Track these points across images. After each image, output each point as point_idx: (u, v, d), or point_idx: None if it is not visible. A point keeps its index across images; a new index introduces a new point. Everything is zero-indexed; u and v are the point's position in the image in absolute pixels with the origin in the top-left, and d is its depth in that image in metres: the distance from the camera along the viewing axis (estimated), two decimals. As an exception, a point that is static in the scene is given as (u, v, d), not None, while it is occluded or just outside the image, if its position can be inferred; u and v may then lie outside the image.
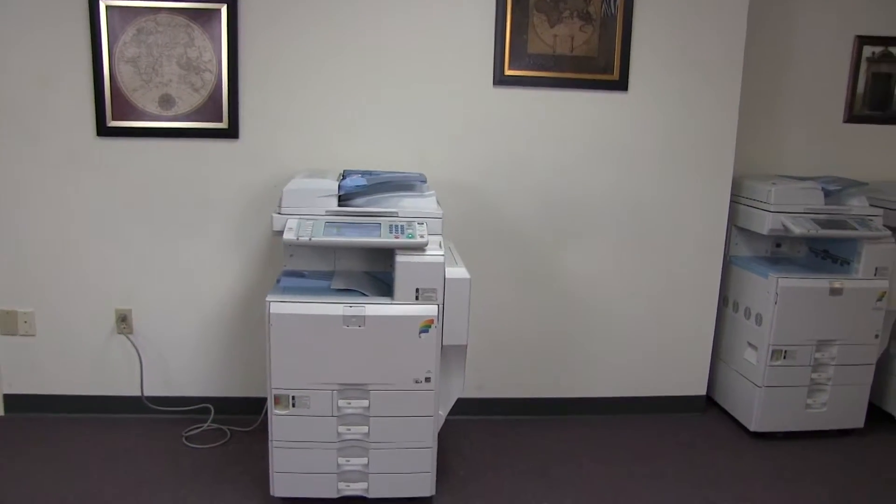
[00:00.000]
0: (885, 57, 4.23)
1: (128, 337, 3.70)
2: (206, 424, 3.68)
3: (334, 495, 2.99)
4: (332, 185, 2.96)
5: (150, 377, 3.74)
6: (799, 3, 4.12)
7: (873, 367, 3.81)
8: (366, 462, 2.97)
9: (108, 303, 3.67)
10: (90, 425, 3.66)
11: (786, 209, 3.65)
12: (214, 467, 3.32)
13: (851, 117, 4.28)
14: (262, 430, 3.12)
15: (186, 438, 3.56)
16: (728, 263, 4.00)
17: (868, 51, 4.21)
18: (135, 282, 3.67)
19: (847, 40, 4.20)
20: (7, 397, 3.75)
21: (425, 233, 2.86)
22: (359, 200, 3.02)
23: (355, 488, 3.00)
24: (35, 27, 3.39)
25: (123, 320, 3.68)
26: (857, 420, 3.85)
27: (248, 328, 3.72)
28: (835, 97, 4.26)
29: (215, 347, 3.77)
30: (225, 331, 3.75)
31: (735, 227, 3.98)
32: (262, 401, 3.26)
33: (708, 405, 4.15)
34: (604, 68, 3.65)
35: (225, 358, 3.78)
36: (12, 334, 3.68)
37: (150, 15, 3.39)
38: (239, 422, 3.67)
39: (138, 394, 3.71)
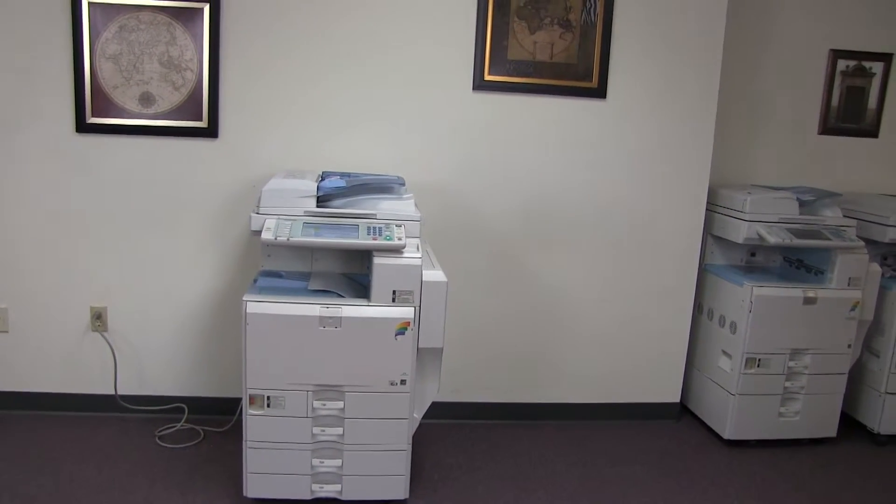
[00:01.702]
0: (859, 71, 4.30)
1: (102, 335, 3.68)
2: (179, 424, 3.66)
3: (308, 496, 2.99)
4: (311, 186, 2.96)
5: (124, 375, 3.72)
6: (775, 16, 4.18)
7: (846, 377, 3.85)
8: (340, 464, 2.97)
9: (83, 300, 3.65)
10: (63, 423, 3.63)
11: (761, 218, 3.69)
12: (187, 467, 3.30)
13: (826, 129, 4.35)
14: (236, 431, 3.12)
15: (159, 438, 3.54)
16: (703, 271, 4.04)
17: (842, 64, 4.29)
18: (110, 279, 3.65)
19: (822, 54, 4.27)
20: (-22, 394, 3.73)
21: (403, 235, 2.87)
22: (337, 202, 3.02)
23: (329, 490, 2.99)
24: (17, 20, 3.37)
25: (98, 318, 3.66)
26: (830, 429, 3.88)
27: (224, 328, 3.71)
28: (810, 109, 4.33)
29: (190, 347, 3.75)
30: (200, 330, 3.73)
31: (710, 235, 4.01)
32: (237, 401, 3.25)
33: (682, 413, 4.18)
34: (583, 75, 3.68)
35: (200, 357, 3.76)
36: (-15, 330, 3.66)
37: (133, 12, 3.39)
38: (213, 422, 3.66)
39: (112, 392, 3.69)
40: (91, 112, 3.45)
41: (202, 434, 3.60)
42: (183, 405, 3.73)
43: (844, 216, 3.82)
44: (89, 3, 3.35)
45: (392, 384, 2.90)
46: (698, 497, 3.32)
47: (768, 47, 4.20)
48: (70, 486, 3.09)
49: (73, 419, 3.67)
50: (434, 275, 2.92)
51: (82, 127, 3.47)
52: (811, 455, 3.78)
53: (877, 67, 4.31)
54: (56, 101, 3.45)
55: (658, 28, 3.71)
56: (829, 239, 3.68)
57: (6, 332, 3.66)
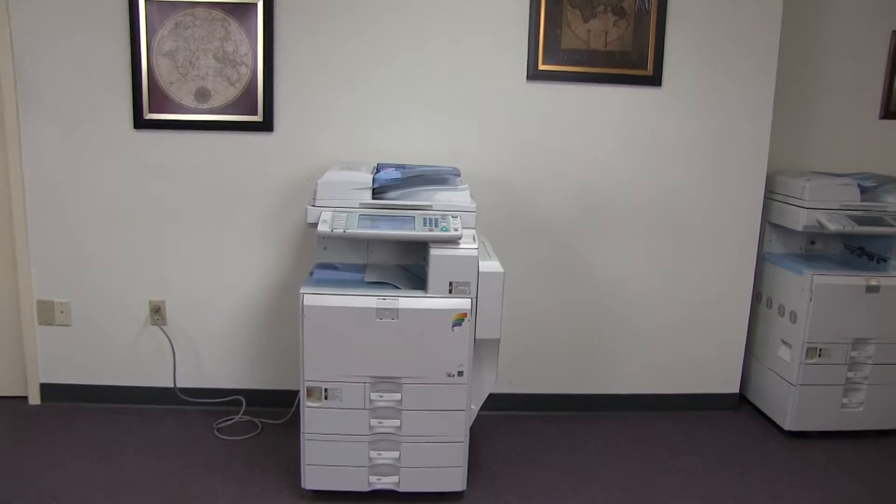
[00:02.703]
0: (923, 52, 4.15)
1: (161, 328, 3.73)
2: (237, 416, 3.70)
3: (365, 488, 3.00)
4: (367, 178, 2.97)
5: (183, 368, 3.77)
6: (835, -3, 4.08)
7: (913, 367, 3.76)
8: (397, 456, 2.97)
9: (142, 294, 3.71)
10: (123, 415, 3.70)
11: (821, 205, 3.61)
12: (245, 459, 3.34)
13: (888, 113, 4.21)
14: (293, 423, 3.15)
15: (218, 430, 3.59)
16: (762, 260, 3.96)
17: (906, 45, 4.14)
18: (168, 273, 3.70)
19: (884, 35, 4.13)
20: (43, 386, 3.80)
21: (459, 226, 2.86)
22: (393, 193, 3.02)
23: (386, 482, 3.00)
24: (75, 20, 3.43)
25: (157, 311, 3.71)
26: (897, 421, 3.81)
27: (280, 320, 3.74)
28: (871, 93, 4.19)
29: (247, 339, 3.79)
30: (257, 323, 3.77)
31: (769, 223, 3.94)
32: (293, 393, 3.27)
33: (741, 403, 4.11)
34: (637, 63, 3.63)
35: (257, 350, 3.80)
36: (49, 324, 3.72)
37: (188, 9, 3.42)
38: (270, 414, 3.69)
39: (171, 385, 3.74)
40: (148, 108, 3.50)
41: (260, 426, 3.63)
42: (241, 397, 3.77)
43: (909, 202, 3.73)
44: (146, 1, 3.39)
45: (449, 375, 2.89)
46: (758, 489, 3.27)
47: (827, 29, 4.08)
48: (132, 476, 3.15)
49: (133, 411, 3.74)
50: (490, 265, 2.91)
51: (140, 123, 3.52)
52: (876, 447, 3.69)
53: (943, 47, 4.16)
54: (114, 98, 3.50)
55: (713, 13, 3.64)
56: (892, 226, 3.59)
57: (69, 325, 3.73)
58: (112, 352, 3.76)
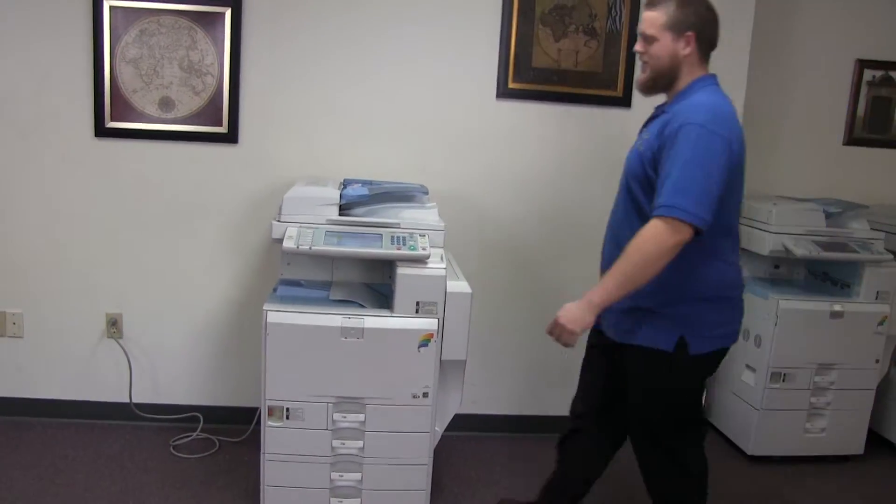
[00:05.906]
0: (886, 81, 4.24)
1: (118, 341, 3.64)
2: (194, 433, 3.61)
3: (326, 511, 2.94)
4: (334, 194, 2.92)
5: (140, 383, 3.67)
6: (801, 25, 4.13)
7: (873, 393, 3.77)
8: (359, 478, 2.91)
9: (98, 306, 3.61)
10: (77, 430, 3.59)
11: (787, 230, 3.62)
12: (202, 478, 3.26)
13: (851, 140, 4.29)
14: (252, 441, 3.09)
15: (174, 447, 3.50)
16: (727, 284, 3.97)
17: (869, 74, 4.22)
18: (127, 286, 3.61)
19: (848, 64, 4.22)
20: (-8, 400, 3.70)
21: (427, 245, 2.82)
22: (359, 210, 2.97)
23: (348, 504, 2.95)
24: (37, 25, 3.35)
25: (114, 324, 3.62)
26: (857, 446, 3.81)
27: (241, 337, 3.66)
28: (835, 120, 4.27)
29: (207, 355, 3.71)
30: (217, 338, 3.69)
31: (735, 247, 3.95)
32: (253, 411, 3.21)
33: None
34: (607, 84, 3.63)
35: (216, 366, 3.72)
36: (0, 335, 3.61)
37: (154, 16, 3.35)
38: (228, 432, 3.61)
39: (126, 400, 3.65)
40: (110, 116, 3.42)
41: (217, 444, 3.55)
42: (198, 414, 3.68)
43: (872, 229, 3.76)
44: (110, 6, 3.32)
45: (414, 397, 2.85)
46: (723, 514, 3.26)
47: (794, 57, 4.15)
48: (84, 495, 3.05)
49: (87, 427, 3.63)
50: (458, 286, 2.87)
51: (101, 131, 3.43)
52: (837, 472, 3.71)
53: (904, 77, 4.26)
54: (75, 104, 3.42)
55: (684, 36, 3.65)
56: (856, 252, 3.61)
57: (21, 337, 3.62)
58: (66, 365, 3.66)
